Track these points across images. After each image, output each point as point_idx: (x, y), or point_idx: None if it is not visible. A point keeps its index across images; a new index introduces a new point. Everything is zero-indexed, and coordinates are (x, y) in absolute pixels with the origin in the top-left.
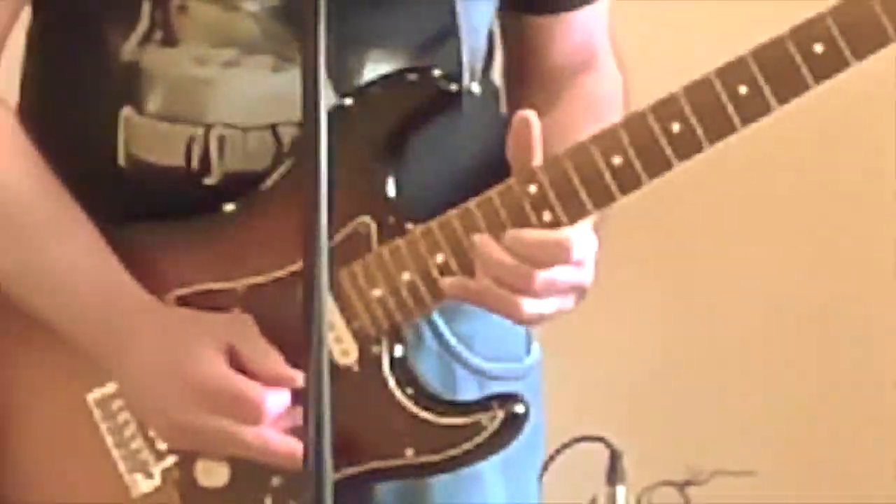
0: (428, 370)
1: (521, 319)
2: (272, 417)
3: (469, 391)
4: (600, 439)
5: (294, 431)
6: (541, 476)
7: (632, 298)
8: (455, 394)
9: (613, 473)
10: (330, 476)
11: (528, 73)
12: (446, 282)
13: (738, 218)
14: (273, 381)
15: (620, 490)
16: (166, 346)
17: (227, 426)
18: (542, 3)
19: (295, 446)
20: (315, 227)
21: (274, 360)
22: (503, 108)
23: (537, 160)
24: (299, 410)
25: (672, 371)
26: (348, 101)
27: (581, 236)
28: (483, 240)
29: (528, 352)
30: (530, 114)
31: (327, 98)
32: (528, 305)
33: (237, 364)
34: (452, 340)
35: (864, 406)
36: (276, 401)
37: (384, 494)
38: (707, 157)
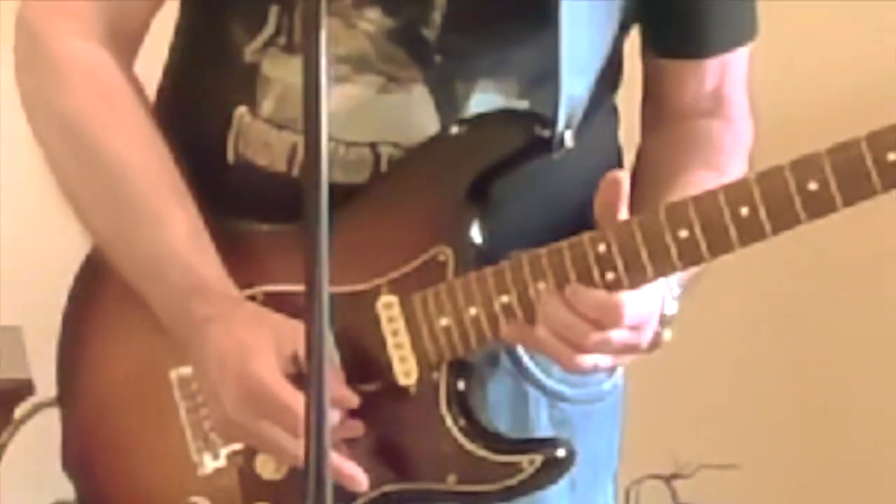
0: (499, 391)
1: (575, 370)
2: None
3: (540, 412)
4: None
5: (336, 448)
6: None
7: None
8: (526, 414)
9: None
10: (329, 478)
11: (655, 115)
12: (507, 327)
13: None
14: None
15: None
16: (233, 342)
17: (272, 434)
18: (676, 45)
19: (337, 464)
20: (315, 239)
21: (336, 376)
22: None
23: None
24: (346, 429)
25: (659, 369)
26: (440, 137)
27: (639, 301)
28: (546, 292)
29: (611, 374)
30: (623, 174)
31: (432, 121)
32: (582, 359)
33: (293, 372)
34: (528, 362)
35: (845, 402)
36: (330, 416)
37: None
38: None
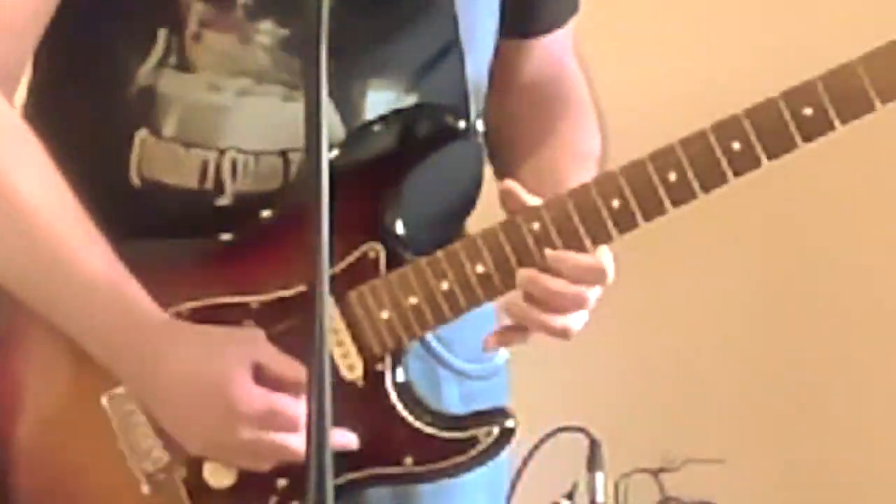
0: (413, 372)
1: (561, 334)
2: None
3: (450, 390)
4: (581, 430)
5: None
6: (525, 463)
7: (611, 301)
8: (439, 393)
9: (593, 461)
10: (331, 478)
11: (505, 90)
12: (510, 307)
13: (711, 217)
14: (300, 390)
15: (599, 476)
16: (195, 368)
17: (271, 439)
18: (519, 28)
19: (339, 440)
20: (318, 243)
21: (297, 370)
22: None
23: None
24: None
25: (647, 367)
26: (355, 138)
27: (608, 256)
28: (531, 273)
29: (497, 352)
30: (513, 185)
31: (334, 123)
32: (569, 322)
33: (263, 379)
34: (435, 344)
35: (828, 398)
36: (300, 408)
37: (377, 498)
38: None
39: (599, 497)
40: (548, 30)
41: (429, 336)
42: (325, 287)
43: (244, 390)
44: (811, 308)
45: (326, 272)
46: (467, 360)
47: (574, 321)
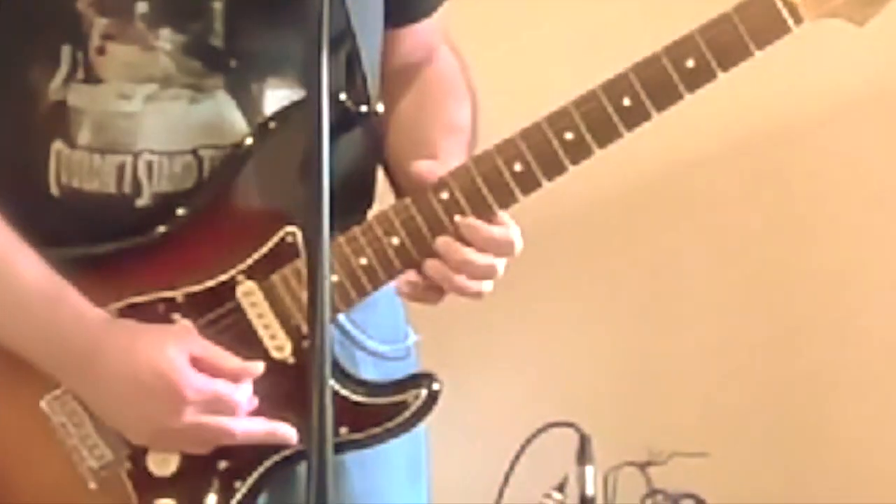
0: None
1: (474, 296)
2: (245, 407)
3: (367, 371)
4: (571, 425)
5: (259, 413)
6: (518, 457)
7: (601, 303)
8: (357, 373)
9: (583, 455)
10: (331, 462)
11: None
12: (409, 286)
13: (698, 216)
14: (236, 376)
15: (589, 470)
16: (137, 363)
17: (212, 423)
18: (395, 16)
19: (270, 426)
20: (318, 239)
21: (232, 359)
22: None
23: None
24: (249, 405)
25: (635, 365)
26: (262, 130)
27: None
28: (447, 242)
29: (407, 335)
30: (420, 164)
31: (238, 121)
32: (480, 286)
33: (200, 368)
34: (350, 328)
35: (809, 393)
36: (245, 392)
37: (303, 474)
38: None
39: (589, 490)
40: (416, 19)
41: (345, 321)
42: (326, 289)
43: (187, 378)
44: (794, 306)
45: (327, 274)
46: (382, 342)
47: (486, 286)
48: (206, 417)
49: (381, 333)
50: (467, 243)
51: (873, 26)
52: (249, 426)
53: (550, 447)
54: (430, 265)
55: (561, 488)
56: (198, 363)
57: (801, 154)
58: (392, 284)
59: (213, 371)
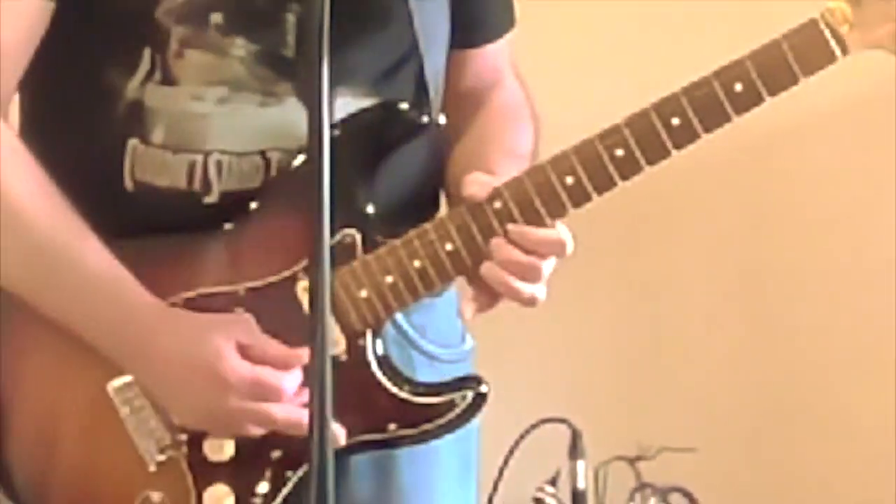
0: (391, 355)
1: (527, 301)
2: (290, 394)
3: (423, 373)
4: (563, 421)
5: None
6: (511, 452)
7: (591, 304)
8: (414, 375)
9: (574, 450)
10: (331, 447)
11: (446, 96)
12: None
13: (685, 216)
14: (283, 364)
15: (580, 464)
16: (187, 347)
17: (254, 407)
18: (459, 40)
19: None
20: (318, 238)
21: (278, 347)
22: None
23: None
24: (300, 397)
25: (625, 362)
26: (336, 131)
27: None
28: (498, 242)
29: (464, 340)
30: (476, 176)
31: (306, 126)
32: (533, 290)
33: (248, 356)
34: (409, 329)
35: (794, 389)
36: (292, 381)
37: (359, 464)
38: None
39: (580, 483)
40: (483, 43)
41: (403, 322)
42: (327, 287)
43: (231, 364)
44: (780, 305)
45: (328, 274)
46: (438, 346)
47: (539, 291)
48: (248, 402)
49: (439, 336)
50: (517, 247)
51: None
52: (291, 412)
53: (543, 442)
54: (484, 266)
55: (553, 482)
56: (245, 350)
57: (786, 157)
58: (453, 289)
59: (260, 358)
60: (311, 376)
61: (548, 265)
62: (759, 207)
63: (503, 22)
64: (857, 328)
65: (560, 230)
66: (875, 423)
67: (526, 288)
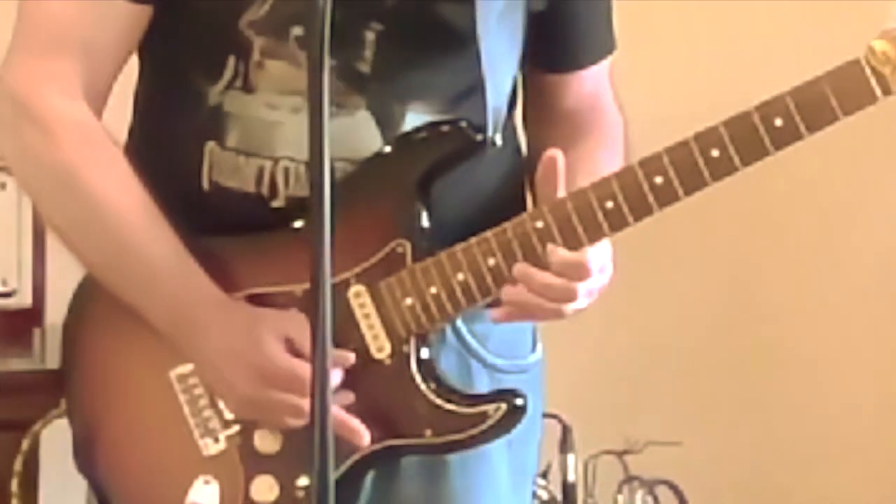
0: (448, 363)
1: (559, 318)
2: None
3: (482, 382)
4: (554, 416)
5: (354, 407)
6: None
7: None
8: (471, 384)
9: (565, 444)
10: (332, 444)
11: (546, 117)
12: (502, 310)
13: (672, 215)
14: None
15: (570, 458)
16: (235, 336)
17: (288, 399)
18: (560, 63)
19: (342, 419)
20: (319, 238)
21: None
22: (523, 149)
23: (560, 192)
24: (340, 398)
25: (613, 361)
26: (387, 149)
27: (597, 251)
28: (523, 268)
29: (534, 350)
30: (557, 153)
31: (375, 138)
32: (564, 308)
33: (294, 351)
34: (470, 338)
35: (776, 386)
36: (332, 378)
37: (409, 465)
38: None
39: (571, 476)
40: (586, 66)
41: (465, 331)
42: (327, 287)
43: (274, 356)
44: (761, 304)
45: (328, 275)
46: (499, 356)
47: (567, 308)
48: (286, 395)
49: (501, 347)
50: (546, 267)
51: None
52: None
53: None
54: (507, 290)
55: (545, 475)
56: (292, 346)
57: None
58: None
59: (303, 354)
60: (312, 376)
61: (583, 286)
62: (745, 204)
63: (604, 46)
64: (839, 324)
65: (596, 253)
66: (856, 415)
67: (553, 307)
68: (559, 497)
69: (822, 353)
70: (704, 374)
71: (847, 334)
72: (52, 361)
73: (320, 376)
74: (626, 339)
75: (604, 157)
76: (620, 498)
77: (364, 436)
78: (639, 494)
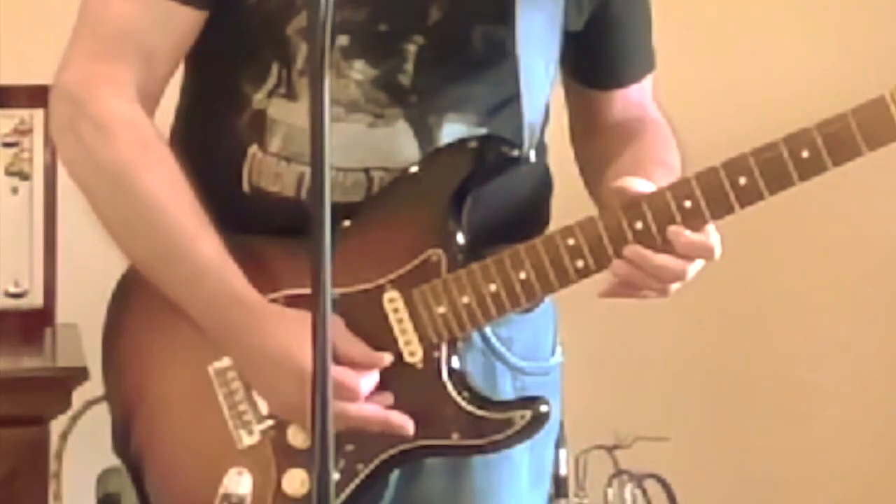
0: (474, 365)
1: (665, 296)
2: (365, 395)
3: (505, 383)
4: None
5: (383, 404)
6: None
7: (577, 304)
8: (495, 385)
9: (557, 439)
10: (332, 446)
11: (594, 129)
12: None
13: None
14: (363, 365)
15: (562, 452)
16: (280, 342)
17: (336, 404)
18: (603, 80)
19: (385, 413)
20: (319, 240)
21: (362, 349)
22: (550, 162)
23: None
24: (376, 399)
25: (603, 358)
26: (426, 160)
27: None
28: (636, 249)
29: (554, 353)
30: (623, 183)
31: (412, 148)
32: (671, 288)
33: (333, 356)
34: (495, 342)
35: (761, 383)
36: (368, 382)
37: (433, 464)
38: None
39: (563, 470)
40: (627, 84)
41: (491, 336)
42: (328, 285)
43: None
44: (748, 303)
45: (329, 274)
46: (523, 358)
47: (673, 286)
48: (331, 398)
49: (525, 350)
50: (662, 250)
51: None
52: (364, 410)
53: None
54: (618, 266)
55: None
56: (334, 350)
57: None
58: (548, 302)
59: (343, 359)
60: (313, 376)
61: (693, 266)
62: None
63: (645, 64)
64: (828, 321)
65: (710, 236)
66: (843, 412)
67: (660, 286)
68: (552, 490)
69: (808, 350)
70: (691, 372)
71: (835, 332)
72: (63, 360)
73: (321, 376)
74: (617, 339)
75: (664, 155)
76: (610, 491)
77: (410, 425)
78: (628, 488)
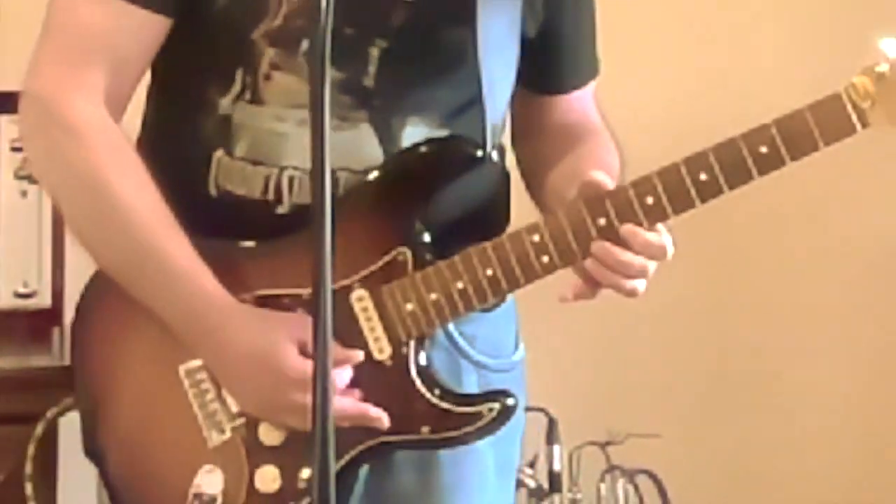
0: (439, 361)
1: (630, 293)
2: (341, 390)
3: (470, 379)
4: (541, 409)
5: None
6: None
7: (570, 303)
8: (460, 380)
9: (551, 436)
10: (332, 437)
11: (537, 132)
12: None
13: None
14: (336, 362)
15: (556, 449)
16: (253, 341)
17: (301, 400)
18: (549, 85)
19: (361, 406)
20: (319, 240)
21: (335, 349)
22: (507, 162)
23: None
24: (347, 394)
25: (596, 356)
26: (391, 161)
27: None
28: (605, 245)
29: (516, 349)
30: (596, 176)
31: (376, 150)
32: (641, 287)
33: (306, 353)
34: (459, 338)
35: (752, 380)
36: (342, 377)
37: (402, 460)
38: None
39: (556, 466)
40: (572, 89)
41: (454, 332)
42: (328, 287)
43: (291, 360)
44: (738, 301)
45: (329, 274)
46: (486, 355)
47: (640, 284)
48: (295, 395)
49: (488, 346)
50: (625, 247)
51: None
52: (342, 405)
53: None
54: (592, 267)
55: (532, 464)
56: (304, 348)
57: None
58: (510, 299)
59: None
60: (314, 376)
61: (652, 264)
62: (728, 199)
63: (589, 71)
64: (819, 318)
65: (663, 235)
66: (834, 408)
67: (628, 283)
68: (545, 485)
69: (798, 347)
70: (683, 370)
71: (827, 328)
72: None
73: (321, 376)
74: (610, 337)
75: (607, 157)
76: (603, 486)
77: (385, 418)
78: (620, 483)
